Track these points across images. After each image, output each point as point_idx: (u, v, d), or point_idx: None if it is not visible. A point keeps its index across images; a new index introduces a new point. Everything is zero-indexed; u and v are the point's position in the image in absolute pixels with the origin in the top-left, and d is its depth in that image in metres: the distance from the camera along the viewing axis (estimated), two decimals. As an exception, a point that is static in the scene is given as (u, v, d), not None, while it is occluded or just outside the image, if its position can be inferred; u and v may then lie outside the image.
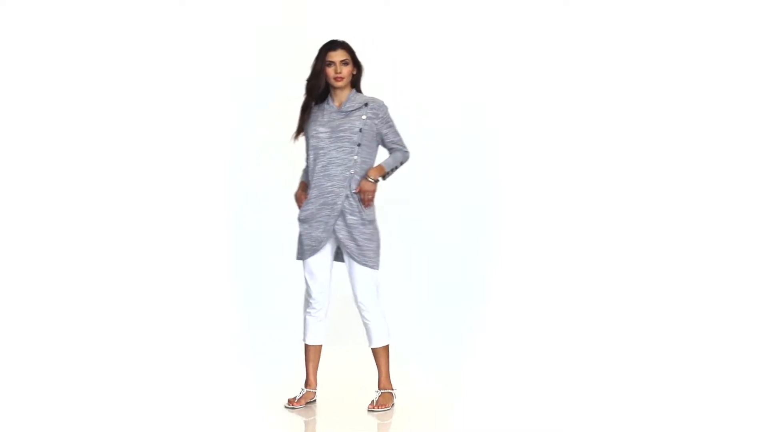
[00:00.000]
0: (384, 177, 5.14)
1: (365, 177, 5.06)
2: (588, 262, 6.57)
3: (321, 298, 5.15)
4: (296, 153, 6.68)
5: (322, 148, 5.06)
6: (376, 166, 5.12)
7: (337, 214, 5.05)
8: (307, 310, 5.19)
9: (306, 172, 5.22)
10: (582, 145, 6.61)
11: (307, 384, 5.21)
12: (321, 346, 5.24)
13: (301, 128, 5.18)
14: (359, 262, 5.05)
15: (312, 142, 5.10)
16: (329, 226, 5.05)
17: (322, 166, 5.06)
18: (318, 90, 5.10)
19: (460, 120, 6.64)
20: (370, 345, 5.17)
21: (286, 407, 5.11)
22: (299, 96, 6.67)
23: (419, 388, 5.44)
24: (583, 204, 6.59)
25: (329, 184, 5.05)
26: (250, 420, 4.96)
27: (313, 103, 5.13)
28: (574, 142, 6.62)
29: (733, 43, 6.43)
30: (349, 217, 5.05)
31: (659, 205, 6.52)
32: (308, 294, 5.17)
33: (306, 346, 5.23)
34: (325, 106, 5.12)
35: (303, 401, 5.15)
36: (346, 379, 5.68)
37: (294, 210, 6.73)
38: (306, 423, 4.90)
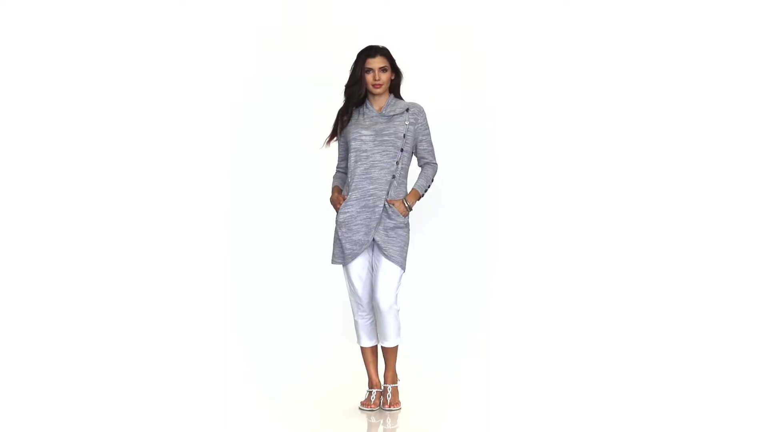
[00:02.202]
0: (418, 199, 5.20)
1: (402, 201, 5.10)
2: (588, 261, 6.57)
3: (368, 299, 5.16)
4: (296, 152, 6.71)
5: (365, 151, 5.07)
6: (412, 192, 5.16)
7: (378, 217, 5.05)
8: (359, 313, 5.18)
9: (338, 176, 5.25)
10: (582, 144, 6.61)
11: (372, 385, 5.20)
12: (377, 345, 5.24)
13: (336, 133, 5.18)
14: (394, 262, 5.07)
15: (355, 144, 5.07)
16: (370, 228, 5.05)
17: (365, 169, 5.06)
18: (358, 96, 5.09)
19: (460, 120, 6.64)
20: (383, 343, 5.17)
21: (360, 409, 5.12)
22: (299, 96, 6.72)
23: (419, 388, 5.44)
24: (583, 204, 6.60)
25: (371, 186, 5.05)
26: (251, 420, 4.96)
27: (353, 108, 5.13)
28: (574, 142, 6.62)
29: (733, 43, 6.43)
30: (387, 221, 5.07)
31: (659, 205, 6.52)
32: (356, 297, 5.16)
33: (362, 349, 5.23)
34: (365, 110, 5.13)
35: (377, 403, 5.16)
36: (346, 378, 5.69)
37: (295, 210, 6.80)
38: (307, 423, 4.90)
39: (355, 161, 5.08)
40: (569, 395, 5.34)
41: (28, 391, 5.43)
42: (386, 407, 5.10)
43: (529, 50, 6.65)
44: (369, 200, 5.05)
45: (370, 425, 4.91)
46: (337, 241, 5.13)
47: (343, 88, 5.15)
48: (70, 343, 6.18)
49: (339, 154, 5.25)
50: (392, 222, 5.07)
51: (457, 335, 6.48)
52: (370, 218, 5.05)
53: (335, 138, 5.19)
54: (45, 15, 6.46)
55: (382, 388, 5.16)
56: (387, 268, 5.08)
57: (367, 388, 5.21)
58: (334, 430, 4.82)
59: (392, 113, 5.10)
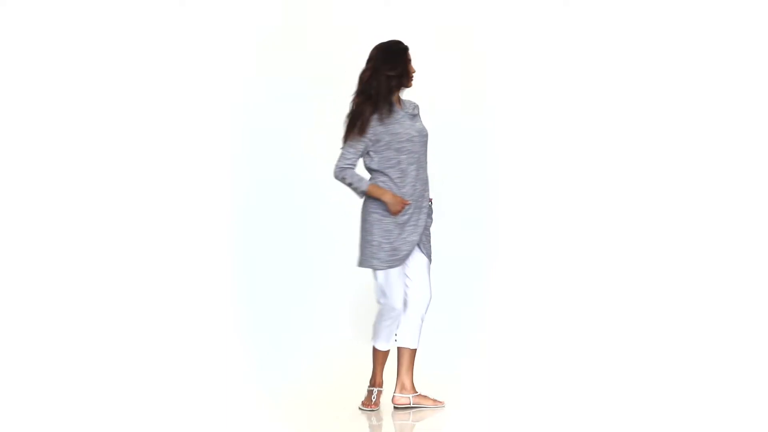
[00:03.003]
0: None
1: (430, 199, 5.14)
2: (588, 261, 6.57)
3: (402, 303, 5.07)
4: (296, 152, 6.72)
5: (416, 152, 4.99)
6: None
7: (425, 216, 5.05)
8: (390, 315, 5.03)
9: (354, 173, 4.96)
10: (582, 144, 6.61)
11: (375, 384, 5.10)
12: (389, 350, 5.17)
13: (366, 127, 4.90)
14: (431, 260, 5.11)
15: (408, 146, 4.95)
16: (419, 228, 5.02)
17: (416, 170, 5.00)
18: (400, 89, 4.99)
19: (460, 120, 6.64)
20: (410, 345, 5.08)
21: (361, 409, 5.07)
22: (299, 96, 6.72)
23: (420, 388, 5.44)
24: (583, 204, 6.60)
25: (422, 188, 5.03)
26: (251, 420, 4.95)
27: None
28: (575, 142, 6.62)
29: (733, 43, 6.43)
30: (427, 219, 5.09)
31: (659, 204, 6.52)
32: (393, 301, 5.02)
33: (379, 351, 5.09)
34: (393, 108, 4.97)
35: (378, 402, 5.09)
36: (346, 378, 5.69)
37: (295, 210, 6.79)
38: (307, 423, 4.90)
39: (409, 163, 4.97)
40: (569, 395, 5.33)
41: (28, 391, 5.43)
42: (435, 404, 5.07)
43: (529, 50, 6.65)
44: (419, 201, 5.02)
45: (370, 426, 4.91)
46: (383, 244, 4.97)
47: (383, 78, 4.91)
48: (71, 343, 6.18)
49: (354, 149, 4.95)
50: (430, 221, 5.10)
51: (457, 335, 6.48)
52: (420, 218, 5.03)
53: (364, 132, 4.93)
54: (45, 15, 6.45)
55: (413, 395, 5.10)
56: (426, 266, 5.10)
57: (369, 386, 5.13)
58: (334, 430, 4.81)
59: (414, 112, 5.05)
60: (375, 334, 5.10)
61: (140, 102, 6.58)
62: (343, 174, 4.98)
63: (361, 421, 4.95)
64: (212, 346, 6.33)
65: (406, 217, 4.99)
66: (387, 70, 4.93)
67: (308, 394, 5.40)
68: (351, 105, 4.98)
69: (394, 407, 5.09)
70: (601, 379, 5.65)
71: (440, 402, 5.10)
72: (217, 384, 5.65)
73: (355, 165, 5.00)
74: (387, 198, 4.95)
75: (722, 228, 6.44)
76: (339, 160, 4.99)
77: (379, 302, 5.07)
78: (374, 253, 4.98)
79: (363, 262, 5.03)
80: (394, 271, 5.00)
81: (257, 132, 6.75)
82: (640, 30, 6.52)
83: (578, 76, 6.60)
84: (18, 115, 6.44)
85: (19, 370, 5.80)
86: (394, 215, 4.97)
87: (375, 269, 5.00)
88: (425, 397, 5.11)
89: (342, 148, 5.00)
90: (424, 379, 5.44)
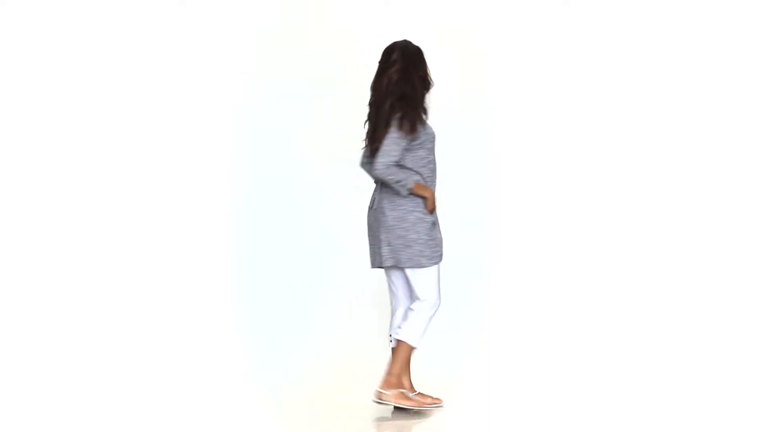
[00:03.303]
0: None
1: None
2: (588, 261, 6.57)
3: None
4: (296, 152, 6.72)
5: (434, 152, 5.07)
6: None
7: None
8: (434, 310, 5.07)
9: (405, 172, 4.93)
10: (582, 144, 6.61)
11: (407, 386, 5.09)
12: None
13: (417, 127, 4.93)
14: None
15: (432, 146, 5.04)
16: (439, 226, 5.09)
17: (435, 170, 5.08)
18: None
19: (460, 120, 6.64)
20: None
21: (433, 406, 5.07)
22: (299, 96, 6.72)
23: (419, 388, 5.44)
24: (584, 204, 6.60)
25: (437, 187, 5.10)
26: (251, 420, 4.96)
27: None
28: (575, 142, 6.62)
29: (733, 43, 6.43)
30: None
31: (659, 205, 6.52)
32: (436, 298, 5.07)
33: (412, 349, 5.08)
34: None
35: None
36: (346, 378, 5.69)
37: (295, 210, 6.79)
38: (307, 423, 4.90)
39: (435, 163, 5.06)
40: (569, 395, 5.34)
41: (28, 391, 5.43)
42: (435, 402, 5.08)
43: (529, 50, 6.65)
44: (437, 201, 5.10)
45: (370, 425, 4.91)
46: (428, 241, 4.97)
47: (416, 79, 4.98)
48: (70, 344, 6.18)
49: (399, 146, 4.89)
50: None
51: (457, 335, 6.48)
52: (437, 217, 5.09)
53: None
54: (45, 15, 6.45)
55: (412, 394, 5.10)
56: None
57: (411, 391, 5.08)
58: (334, 430, 4.82)
59: None
60: (421, 334, 5.03)
61: (140, 102, 6.58)
62: (390, 171, 4.88)
63: (361, 421, 4.95)
64: (212, 346, 6.34)
65: (434, 216, 5.06)
66: (414, 71, 4.98)
67: (308, 394, 5.40)
68: (387, 105, 4.91)
69: (394, 407, 5.09)
70: (601, 379, 5.65)
71: (439, 400, 5.10)
72: (217, 384, 5.65)
73: (397, 162, 4.91)
74: (429, 194, 5.00)
75: (722, 228, 6.44)
76: (383, 157, 4.87)
77: (424, 300, 5.03)
78: (422, 251, 4.97)
79: (407, 261, 4.98)
80: (437, 267, 5.03)
81: (257, 132, 6.75)
82: (640, 30, 6.52)
83: (578, 76, 6.60)
84: (17, 115, 6.44)
85: (19, 371, 5.81)
86: (431, 212, 5.02)
87: (423, 266, 4.97)
88: (425, 396, 5.11)
89: (384, 145, 4.87)
90: (424, 379, 5.45)
